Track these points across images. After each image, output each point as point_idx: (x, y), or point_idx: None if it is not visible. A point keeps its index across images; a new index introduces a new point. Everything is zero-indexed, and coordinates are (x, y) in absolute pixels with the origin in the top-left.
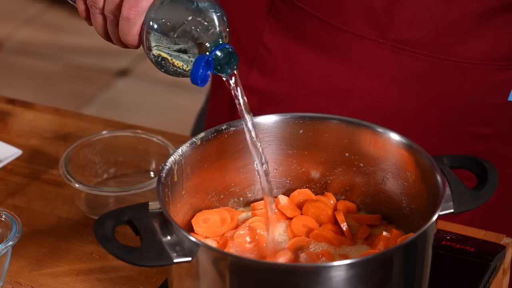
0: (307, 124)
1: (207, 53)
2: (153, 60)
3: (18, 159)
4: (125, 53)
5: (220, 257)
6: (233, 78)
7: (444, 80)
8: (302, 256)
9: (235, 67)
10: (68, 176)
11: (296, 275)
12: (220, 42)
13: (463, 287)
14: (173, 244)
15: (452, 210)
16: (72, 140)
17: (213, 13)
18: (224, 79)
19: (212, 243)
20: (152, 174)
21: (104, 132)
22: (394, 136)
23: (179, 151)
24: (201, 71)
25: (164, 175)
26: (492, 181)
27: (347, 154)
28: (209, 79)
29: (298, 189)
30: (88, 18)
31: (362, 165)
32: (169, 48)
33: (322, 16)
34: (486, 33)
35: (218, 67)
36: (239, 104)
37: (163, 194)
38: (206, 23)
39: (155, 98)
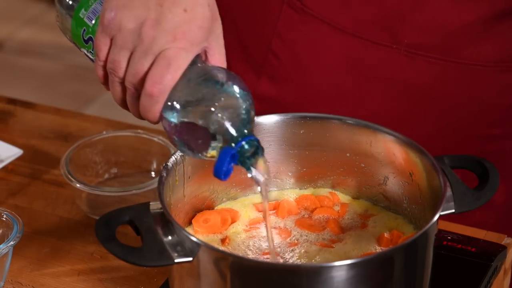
0: (308, 124)
1: (232, 143)
2: (171, 139)
3: (19, 159)
4: None
5: (221, 257)
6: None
7: (455, 83)
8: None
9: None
10: (69, 176)
11: (297, 275)
12: (246, 132)
13: None
14: (174, 244)
15: (453, 210)
16: (73, 140)
17: (241, 99)
18: (249, 175)
19: (214, 243)
20: (153, 174)
21: (105, 132)
22: (395, 136)
23: None
24: (226, 166)
25: (165, 175)
26: (493, 181)
27: (348, 155)
28: (232, 172)
29: (302, 194)
30: (106, 84)
31: (363, 165)
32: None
33: (333, 23)
34: (497, 36)
35: (243, 160)
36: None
37: (164, 194)
38: (233, 110)
39: None
